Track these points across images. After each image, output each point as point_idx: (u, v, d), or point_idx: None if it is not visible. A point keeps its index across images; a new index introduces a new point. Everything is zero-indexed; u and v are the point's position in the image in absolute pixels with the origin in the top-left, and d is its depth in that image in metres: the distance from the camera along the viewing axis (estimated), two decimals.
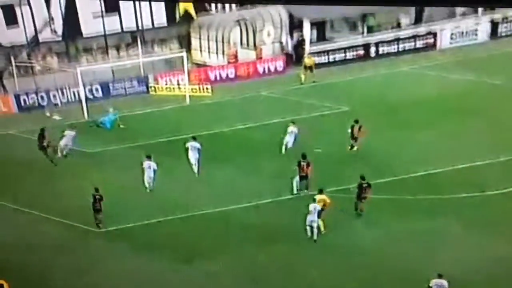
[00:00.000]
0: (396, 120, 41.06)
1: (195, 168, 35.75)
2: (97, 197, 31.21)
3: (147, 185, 34.24)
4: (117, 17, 50.37)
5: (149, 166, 34.03)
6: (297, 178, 33.29)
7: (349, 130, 37.41)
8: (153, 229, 31.30)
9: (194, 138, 36.19)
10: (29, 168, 37.18)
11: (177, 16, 52.11)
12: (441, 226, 30.48)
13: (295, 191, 33.44)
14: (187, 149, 35.86)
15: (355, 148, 37.55)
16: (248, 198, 32.96)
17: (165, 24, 52.11)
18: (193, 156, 35.74)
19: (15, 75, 46.47)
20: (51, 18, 48.60)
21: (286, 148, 37.13)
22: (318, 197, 30.26)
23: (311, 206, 29.78)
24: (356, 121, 37.41)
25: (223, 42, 51.41)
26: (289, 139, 37.16)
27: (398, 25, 55.62)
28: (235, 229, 31.15)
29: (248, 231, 30.81)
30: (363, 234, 30.51)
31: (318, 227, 29.82)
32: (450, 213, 31.35)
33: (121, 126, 41.96)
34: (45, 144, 37.52)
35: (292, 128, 37.25)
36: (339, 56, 52.14)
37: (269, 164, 36.04)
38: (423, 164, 35.46)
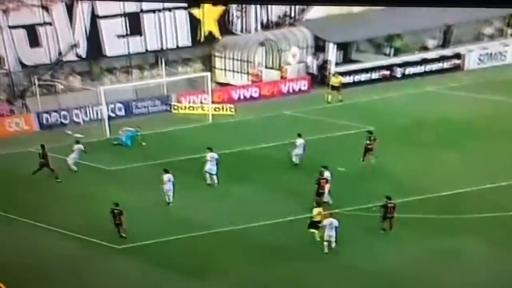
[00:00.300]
0: (421, 139, 40.58)
1: (209, 179, 36.09)
2: (116, 211, 31.13)
3: (166, 198, 34.20)
4: (141, 38, 50.32)
5: (169, 179, 33.96)
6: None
7: (367, 141, 37.64)
8: (170, 246, 30.92)
9: (210, 149, 36.21)
10: (47, 185, 37.03)
11: (201, 36, 51.96)
12: (465, 246, 29.82)
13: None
14: (205, 162, 35.96)
15: (372, 161, 37.55)
16: (267, 216, 32.46)
17: (189, 45, 51.99)
18: (210, 167, 35.92)
19: (37, 94, 46.35)
20: (76, 44, 48.54)
21: (296, 159, 37.77)
22: (315, 210, 30.56)
23: (326, 222, 29.59)
24: (370, 132, 37.91)
25: (247, 62, 51.16)
26: (298, 151, 37.67)
27: (425, 48, 55.15)
28: (252, 247, 30.71)
29: (264, 249, 30.37)
30: (384, 253, 29.88)
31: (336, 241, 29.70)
32: (474, 233, 30.66)
33: (143, 143, 41.70)
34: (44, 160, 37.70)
35: (300, 141, 37.64)
36: (364, 76, 51.64)
37: (288, 183, 35.62)
38: (447, 183, 34.93)
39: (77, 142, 38.92)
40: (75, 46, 48.66)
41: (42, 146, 37.91)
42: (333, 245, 29.65)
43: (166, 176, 33.97)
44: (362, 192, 34.49)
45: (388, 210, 30.71)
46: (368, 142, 37.70)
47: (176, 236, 31.46)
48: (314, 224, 30.44)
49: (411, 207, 32.23)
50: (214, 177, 36.04)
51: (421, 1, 7.94)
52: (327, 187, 33.16)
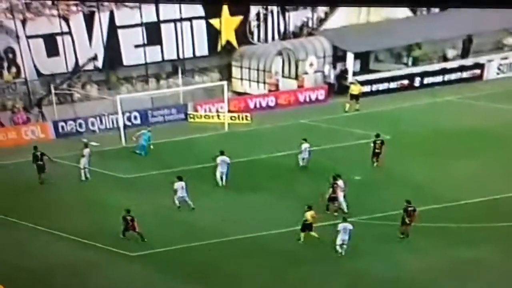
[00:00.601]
0: (440, 148, 40.08)
1: (220, 182, 36.65)
2: (128, 218, 31.21)
3: (177, 203, 34.26)
4: (159, 47, 50.33)
5: (182, 186, 34.03)
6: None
7: (372, 145, 38.02)
8: (182, 254, 30.67)
9: (222, 153, 36.51)
10: (62, 191, 37.10)
11: (219, 46, 51.92)
12: (485, 255, 29.29)
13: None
14: (216, 165, 36.42)
15: (375, 165, 38.16)
16: (280, 224, 32.13)
17: (207, 54, 51.98)
18: (220, 170, 36.46)
19: (54, 103, 46.42)
20: (95, 57, 48.69)
21: (303, 162, 38.29)
22: (308, 213, 30.55)
23: (340, 226, 29.57)
24: (378, 135, 38.06)
25: (264, 71, 51.00)
26: (304, 155, 38.18)
27: (445, 57, 54.74)
28: (265, 254, 30.44)
29: (277, 257, 30.15)
30: (402, 261, 29.49)
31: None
32: (493, 242, 30.16)
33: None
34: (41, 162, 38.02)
35: (305, 145, 38.06)
36: (382, 86, 51.27)
37: (303, 190, 35.23)
38: (466, 192, 34.44)
39: (86, 146, 38.94)
40: (94, 59, 48.73)
41: (35, 148, 38.29)
42: (345, 247, 29.68)
43: (179, 184, 34.02)
44: (379, 201, 34.14)
45: (408, 214, 30.43)
46: (374, 146, 38.06)
47: (188, 244, 31.25)
48: (306, 227, 30.70)
49: (429, 215, 31.71)
50: (224, 176, 36.60)
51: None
52: (340, 193, 33.03)
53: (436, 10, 56.76)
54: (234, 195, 35.71)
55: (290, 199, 34.46)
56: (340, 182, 33.11)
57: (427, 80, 52.13)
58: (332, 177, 33.33)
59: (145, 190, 36.27)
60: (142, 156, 41.41)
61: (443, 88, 51.00)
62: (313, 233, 30.73)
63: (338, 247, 29.58)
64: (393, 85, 51.52)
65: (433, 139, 41.40)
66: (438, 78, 52.31)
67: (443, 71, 52.61)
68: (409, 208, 30.41)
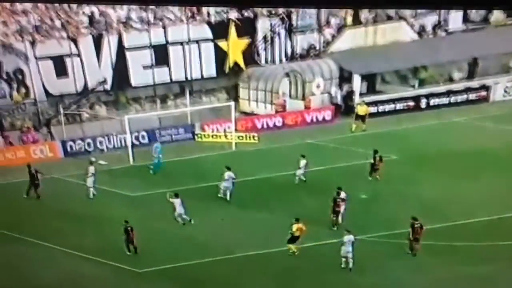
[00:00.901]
0: (446, 168, 40.20)
1: (221, 193, 37.69)
2: (128, 228, 32.09)
3: (180, 220, 34.92)
4: (167, 68, 50.75)
5: (179, 203, 34.75)
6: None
7: (371, 161, 39.14)
8: (189, 270, 31.07)
9: (228, 168, 37.36)
10: (70, 209, 37.28)
11: (226, 68, 52.31)
12: (490, 273, 29.60)
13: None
14: (222, 180, 37.30)
15: (377, 177, 39.06)
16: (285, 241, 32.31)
17: (214, 75, 52.40)
18: (225, 185, 37.42)
19: (63, 123, 46.78)
20: (104, 80, 49.16)
21: (299, 179, 39.34)
22: (295, 226, 31.11)
23: (345, 238, 30.05)
24: (376, 152, 39.04)
25: (271, 92, 51.29)
26: (300, 172, 39.21)
27: (451, 79, 54.97)
28: (271, 271, 30.94)
29: (283, 274, 30.71)
30: (408, 279, 29.89)
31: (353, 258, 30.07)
32: (499, 260, 30.45)
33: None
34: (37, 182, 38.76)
35: (303, 162, 39.09)
36: (389, 106, 51.48)
37: (308, 209, 35.44)
38: (472, 211, 34.86)
39: (91, 163, 39.38)
40: (103, 82, 49.17)
41: (29, 166, 39.06)
42: (351, 263, 30.04)
43: (177, 201, 34.71)
44: (385, 219, 34.51)
45: (415, 231, 30.72)
46: (374, 162, 39.12)
47: (196, 261, 31.58)
48: (293, 239, 31.29)
49: (435, 234, 32.00)
50: (228, 192, 37.36)
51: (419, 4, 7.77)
52: (343, 207, 33.76)
53: (443, 33, 57.26)
54: (240, 213, 36.08)
55: (295, 217, 34.59)
56: (343, 195, 33.78)
57: (433, 102, 52.26)
58: (336, 191, 33.95)
59: (153, 208, 36.49)
60: (155, 171, 42.00)
61: (449, 110, 51.08)
62: (293, 247, 31.50)
63: (342, 259, 30.01)
64: (399, 106, 51.69)
65: (439, 159, 41.48)
66: (444, 100, 52.40)
67: (449, 93, 52.76)
68: (416, 225, 30.69)
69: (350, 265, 30.15)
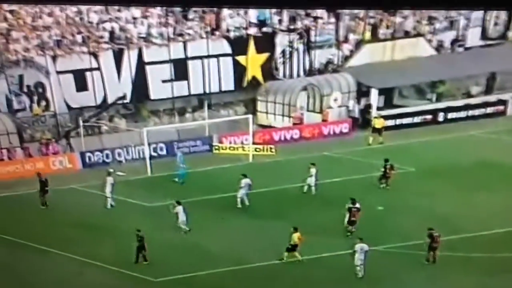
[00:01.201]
0: (462, 181, 40.44)
1: (239, 204, 38.10)
2: (140, 235, 32.37)
3: (183, 226, 35.34)
4: (186, 82, 51.19)
5: (182, 210, 35.23)
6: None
7: (382, 169, 39.57)
8: (204, 280, 31.21)
9: (245, 176, 37.98)
10: (88, 219, 37.51)
11: (245, 81, 52.67)
12: (506, 285, 29.79)
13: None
14: (239, 188, 37.64)
15: (387, 187, 39.56)
16: (302, 252, 32.37)
17: (233, 89, 52.82)
18: (242, 192, 37.80)
19: (82, 135, 47.27)
20: (124, 95, 49.74)
21: (309, 188, 39.62)
22: (294, 235, 31.57)
23: (357, 247, 30.17)
24: (387, 160, 39.55)
25: (289, 105, 51.60)
26: (310, 180, 39.47)
27: (468, 94, 55.00)
28: (286, 282, 31.20)
29: (298, 285, 30.86)
30: None
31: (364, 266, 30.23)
32: None
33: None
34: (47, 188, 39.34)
35: (313, 170, 39.33)
36: (406, 120, 51.63)
37: (323, 220, 35.73)
38: (488, 223, 35.07)
39: (109, 174, 39.61)
40: (123, 98, 49.70)
41: (38, 174, 39.75)
42: (362, 272, 30.19)
43: (179, 208, 35.21)
44: (401, 230, 34.64)
45: (434, 240, 31.00)
46: (385, 170, 39.58)
47: (210, 271, 31.74)
48: (292, 248, 31.58)
49: (451, 245, 32.20)
50: (245, 197, 37.91)
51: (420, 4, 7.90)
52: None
53: (461, 49, 57.37)
54: (256, 224, 36.18)
55: (310, 228, 34.45)
56: (357, 204, 33.97)
57: (450, 115, 52.37)
58: (350, 201, 34.09)
59: (170, 218, 36.56)
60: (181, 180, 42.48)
61: (466, 123, 51.17)
62: (296, 254, 31.70)
63: (357, 268, 30.09)
64: (417, 119, 51.83)
65: (455, 172, 41.58)
66: (462, 114, 52.54)
67: (467, 107, 52.80)
68: (435, 234, 30.97)
69: (362, 273, 30.27)
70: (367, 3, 7.87)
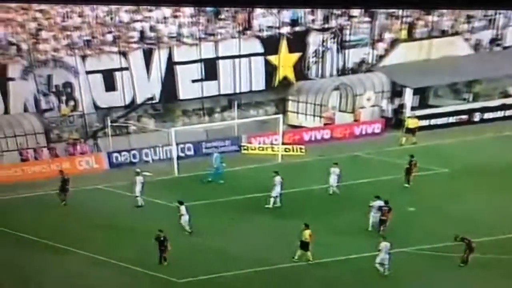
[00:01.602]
0: (497, 182, 39.39)
1: (271, 203, 37.81)
2: (161, 237, 32.03)
3: (187, 227, 35.16)
4: (216, 82, 50.61)
5: (186, 211, 35.07)
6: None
7: (407, 166, 39.37)
8: (228, 281, 30.93)
9: (277, 173, 37.92)
10: (114, 218, 37.45)
11: (276, 81, 51.95)
12: None
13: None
14: (273, 186, 37.70)
15: (409, 184, 39.60)
16: (327, 253, 32.34)
17: (263, 89, 52.15)
18: (277, 189, 37.78)
19: (109, 135, 46.96)
20: (152, 97, 49.33)
21: (333, 190, 39.30)
22: (306, 232, 31.42)
23: (381, 245, 30.11)
24: (412, 156, 39.49)
25: (320, 105, 50.80)
26: (332, 181, 39.12)
27: (506, 94, 53.66)
28: (311, 284, 30.67)
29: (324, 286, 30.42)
30: None
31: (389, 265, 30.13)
32: None
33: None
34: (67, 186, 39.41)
35: (334, 169, 39.18)
36: (441, 120, 50.57)
37: (351, 220, 35.33)
38: None
39: (138, 174, 39.24)
40: (151, 99, 49.30)
41: (61, 172, 39.97)
42: (386, 271, 30.10)
43: (183, 208, 35.04)
44: (433, 232, 34.00)
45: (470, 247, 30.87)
46: (410, 166, 39.38)
47: (234, 272, 31.48)
48: (304, 245, 31.36)
49: (482, 248, 31.36)
50: (278, 199, 37.80)
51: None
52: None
53: (499, 48, 56.04)
54: (282, 224, 35.60)
55: (337, 228, 34.54)
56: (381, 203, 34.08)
57: (487, 116, 51.11)
58: (384, 201, 33.91)
59: (195, 219, 35.92)
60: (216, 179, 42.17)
61: (503, 124, 49.93)
62: (308, 254, 31.50)
63: (377, 265, 29.97)
64: (452, 120, 50.69)
65: (490, 173, 40.64)
66: (498, 114, 51.29)
67: (503, 107, 51.47)
68: (472, 244, 30.67)
69: (386, 272, 30.05)
70: (404, 3, 7.18)
